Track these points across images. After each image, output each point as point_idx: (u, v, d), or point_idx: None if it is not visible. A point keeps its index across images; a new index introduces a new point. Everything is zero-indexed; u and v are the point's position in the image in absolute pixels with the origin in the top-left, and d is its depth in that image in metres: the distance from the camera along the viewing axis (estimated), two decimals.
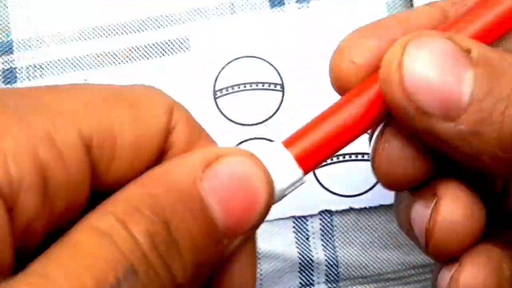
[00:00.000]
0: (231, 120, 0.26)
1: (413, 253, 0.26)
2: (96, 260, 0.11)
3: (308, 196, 0.26)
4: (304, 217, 0.26)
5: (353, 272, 0.26)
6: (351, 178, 0.26)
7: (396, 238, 0.26)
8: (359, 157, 0.26)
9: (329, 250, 0.26)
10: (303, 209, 0.26)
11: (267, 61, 0.26)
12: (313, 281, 0.26)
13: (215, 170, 0.13)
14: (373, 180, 0.24)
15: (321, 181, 0.26)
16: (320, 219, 0.26)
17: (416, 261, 0.26)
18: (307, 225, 0.26)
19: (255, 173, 0.13)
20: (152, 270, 0.12)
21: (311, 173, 0.25)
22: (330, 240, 0.26)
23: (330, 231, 0.26)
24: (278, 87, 0.26)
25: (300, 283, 0.26)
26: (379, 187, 0.23)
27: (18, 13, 0.26)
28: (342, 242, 0.26)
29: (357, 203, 0.26)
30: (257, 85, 0.26)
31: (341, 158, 0.26)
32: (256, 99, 0.26)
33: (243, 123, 0.26)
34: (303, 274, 0.26)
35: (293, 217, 0.26)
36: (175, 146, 0.15)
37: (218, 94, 0.26)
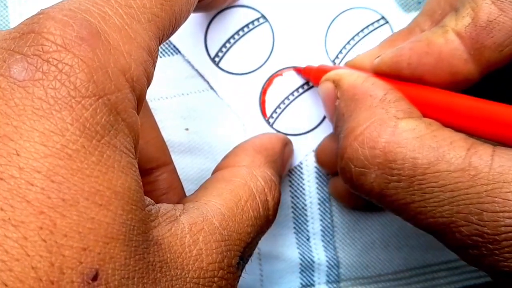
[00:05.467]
0: (239, 74, 0.26)
1: (414, 254, 0.26)
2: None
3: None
4: (305, 217, 0.26)
5: (354, 272, 0.26)
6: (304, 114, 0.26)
7: (397, 239, 0.26)
8: (300, 90, 0.26)
9: (330, 251, 0.26)
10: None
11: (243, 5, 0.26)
12: (313, 281, 0.26)
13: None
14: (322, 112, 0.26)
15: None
16: (321, 220, 0.26)
17: (417, 262, 0.26)
18: (307, 225, 0.26)
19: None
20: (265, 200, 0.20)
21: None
22: (330, 241, 0.26)
23: (331, 232, 0.26)
24: (262, 20, 0.26)
25: (301, 283, 0.26)
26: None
27: (18, 13, 0.26)
28: (343, 243, 0.26)
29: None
30: (243, 30, 0.26)
31: (286, 102, 0.26)
32: (248, 43, 0.26)
33: (250, 71, 0.26)
34: (304, 274, 0.26)
35: (293, 217, 0.26)
36: None
37: (217, 59, 0.26)
